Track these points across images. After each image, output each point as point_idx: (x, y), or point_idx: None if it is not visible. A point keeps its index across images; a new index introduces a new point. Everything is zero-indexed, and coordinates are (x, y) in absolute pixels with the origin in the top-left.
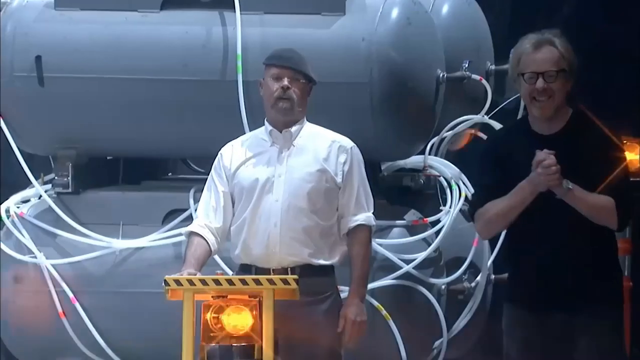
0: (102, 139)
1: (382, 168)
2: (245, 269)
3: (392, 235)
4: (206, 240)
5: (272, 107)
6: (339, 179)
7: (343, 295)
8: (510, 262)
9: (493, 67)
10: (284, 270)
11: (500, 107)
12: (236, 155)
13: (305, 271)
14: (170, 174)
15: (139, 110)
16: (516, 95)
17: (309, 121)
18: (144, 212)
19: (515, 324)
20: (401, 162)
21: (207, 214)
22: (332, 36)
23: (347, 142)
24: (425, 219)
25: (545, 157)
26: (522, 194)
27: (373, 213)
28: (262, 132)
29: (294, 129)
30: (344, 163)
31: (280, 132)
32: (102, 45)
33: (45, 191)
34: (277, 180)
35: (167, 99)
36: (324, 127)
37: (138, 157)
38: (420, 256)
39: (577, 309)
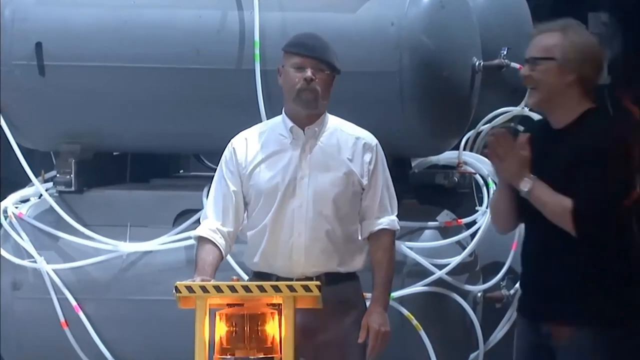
0: (107, 133)
1: (413, 165)
2: (262, 276)
3: (423, 237)
4: (218, 246)
5: (293, 100)
6: (365, 181)
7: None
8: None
9: None
10: (307, 279)
11: None
12: (252, 152)
13: (330, 279)
14: (182, 171)
15: (147, 101)
16: None
17: (332, 113)
18: (153, 212)
19: (518, 334)
20: (433, 159)
21: (218, 216)
22: (358, 21)
23: (371, 139)
24: (459, 220)
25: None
26: (501, 184)
27: (403, 214)
28: (280, 126)
29: (316, 125)
30: (369, 162)
31: (303, 130)
32: (107, 31)
33: (46, 190)
34: (299, 184)
35: (178, 89)
36: (348, 120)
37: (147, 153)
38: (454, 261)
39: (567, 324)
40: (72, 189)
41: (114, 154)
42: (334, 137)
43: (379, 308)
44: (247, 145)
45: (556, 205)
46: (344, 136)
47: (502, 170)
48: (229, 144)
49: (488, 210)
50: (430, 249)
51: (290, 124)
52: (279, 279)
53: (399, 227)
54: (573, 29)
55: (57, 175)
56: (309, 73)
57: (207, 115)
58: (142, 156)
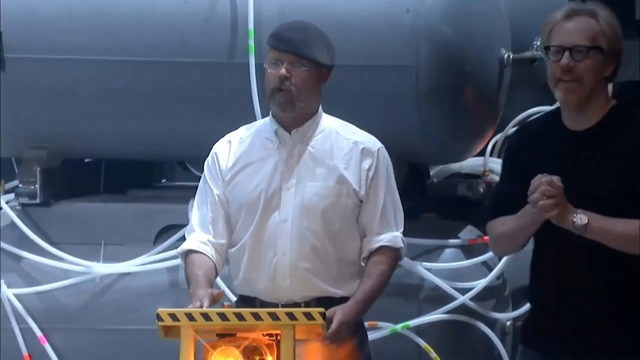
0: (78, 137)
1: (431, 173)
2: (246, 301)
3: (443, 257)
4: (210, 259)
5: (268, 101)
6: (362, 192)
7: (372, 334)
8: (529, 296)
9: None
10: (295, 305)
11: None
12: (234, 158)
13: (322, 305)
14: (164, 180)
15: (125, 100)
16: None
17: (336, 114)
18: (131, 228)
19: None
20: (455, 166)
21: (206, 228)
22: (368, 7)
23: (373, 143)
24: (485, 238)
25: (537, 186)
26: (528, 217)
27: (420, 230)
28: (267, 128)
29: (306, 128)
30: (369, 169)
31: (289, 133)
32: (79, 19)
33: (7, 202)
34: (284, 195)
35: (161, 85)
36: (356, 122)
37: (124, 160)
38: (479, 284)
39: (611, 353)
40: (37, 201)
41: (86, 160)
42: (327, 142)
43: (355, 306)
44: (229, 150)
45: (627, 231)
46: (340, 140)
47: (547, 215)
48: (212, 149)
49: (495, 235)
50: (451, 271)
51: (275, 126)
52: (262, 303)
53: (402, 245)
54: (604, 12)
55: (20, 185)
56: (282, 71)
57: (194, 115)
58: (118, 163)
